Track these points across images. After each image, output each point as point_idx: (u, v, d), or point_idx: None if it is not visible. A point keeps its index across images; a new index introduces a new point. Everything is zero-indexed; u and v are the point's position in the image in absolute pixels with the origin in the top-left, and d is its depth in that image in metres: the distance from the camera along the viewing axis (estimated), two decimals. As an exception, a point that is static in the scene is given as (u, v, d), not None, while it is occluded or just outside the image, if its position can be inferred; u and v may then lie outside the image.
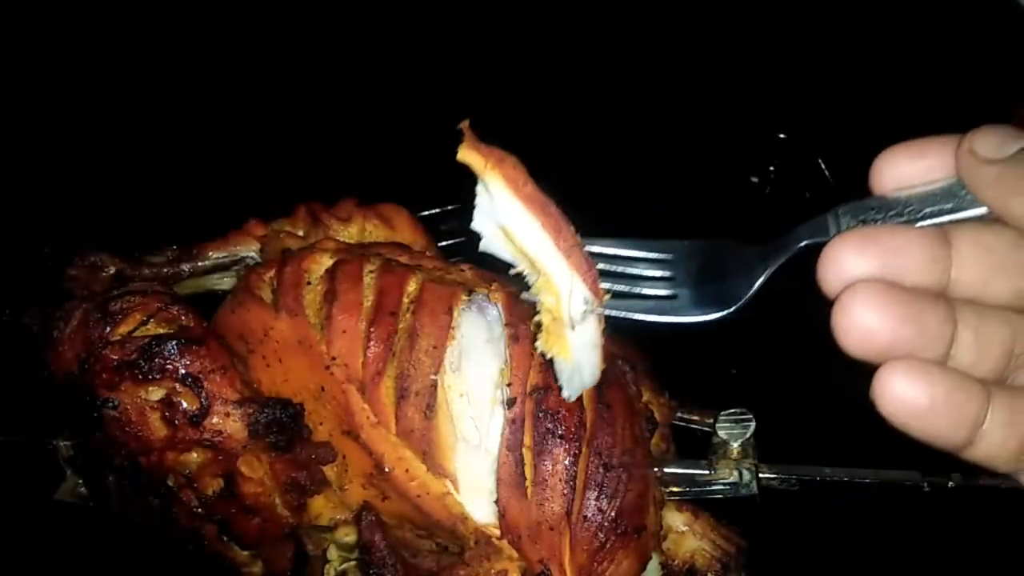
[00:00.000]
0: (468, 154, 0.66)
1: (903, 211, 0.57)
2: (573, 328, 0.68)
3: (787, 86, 1.55)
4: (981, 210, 0.55)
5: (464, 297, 0.99)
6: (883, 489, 0.97)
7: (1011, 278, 0.55)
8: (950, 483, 0.96)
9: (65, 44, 1.49)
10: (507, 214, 0.67)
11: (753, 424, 1.00)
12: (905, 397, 0.51)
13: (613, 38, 1.59)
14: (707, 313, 0.66)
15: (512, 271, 0.70)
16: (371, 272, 1.02)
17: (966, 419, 0.52)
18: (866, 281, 0.53)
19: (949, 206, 0.56)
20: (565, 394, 0.74)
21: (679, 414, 1.11)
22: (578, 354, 0.70)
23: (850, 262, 0.54)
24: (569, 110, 1.59)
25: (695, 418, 1.11)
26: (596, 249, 0.70)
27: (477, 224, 0.69)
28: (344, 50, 1.59)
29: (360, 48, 1.59)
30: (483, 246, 0.70)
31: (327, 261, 1.04)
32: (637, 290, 0.69)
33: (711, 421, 1.06)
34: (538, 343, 0.70)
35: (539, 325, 0.70)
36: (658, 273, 0.69)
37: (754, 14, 1.55)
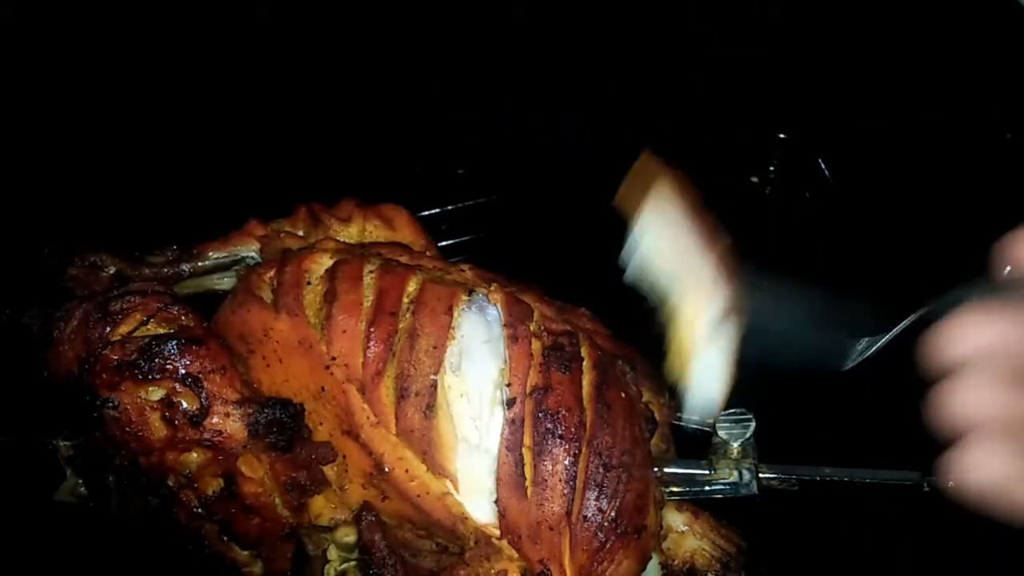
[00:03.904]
0: (648, 160, 0.71)
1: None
2: (706, 343, 0.71)
3: (787, 86, 1.55)
4: None
5: (464, 297, 0.99)
6: (883, 489, 0.97)
7: None
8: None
9: (65, 44, 1.48)
10: (670, 217, 0.71)
11: (753, 424, 1.00)
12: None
13: (613, 38, 1.59)
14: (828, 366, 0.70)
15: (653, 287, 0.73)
16: (371, 272, 1.02)
17: None
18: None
19: None
20: (685, 417, 0.78)
21: (679, 414, 1.11)
22: (703, 376, 0.74)
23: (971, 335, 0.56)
24: (569, 110, 1.59)
25: (695, 418, 1.11)
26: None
27: (637, 235, 0.75)
28: (344, 51, 1.59)
29: (360, 49, 1.59)
30: (633, 265, 0.76)
31: (327, 261, 1.04)
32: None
33: (711, 421, 1.06)
34: (664, 365, 0.75)
35: (668, 344, 0.74)
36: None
37: (754, 14, 1.55)
